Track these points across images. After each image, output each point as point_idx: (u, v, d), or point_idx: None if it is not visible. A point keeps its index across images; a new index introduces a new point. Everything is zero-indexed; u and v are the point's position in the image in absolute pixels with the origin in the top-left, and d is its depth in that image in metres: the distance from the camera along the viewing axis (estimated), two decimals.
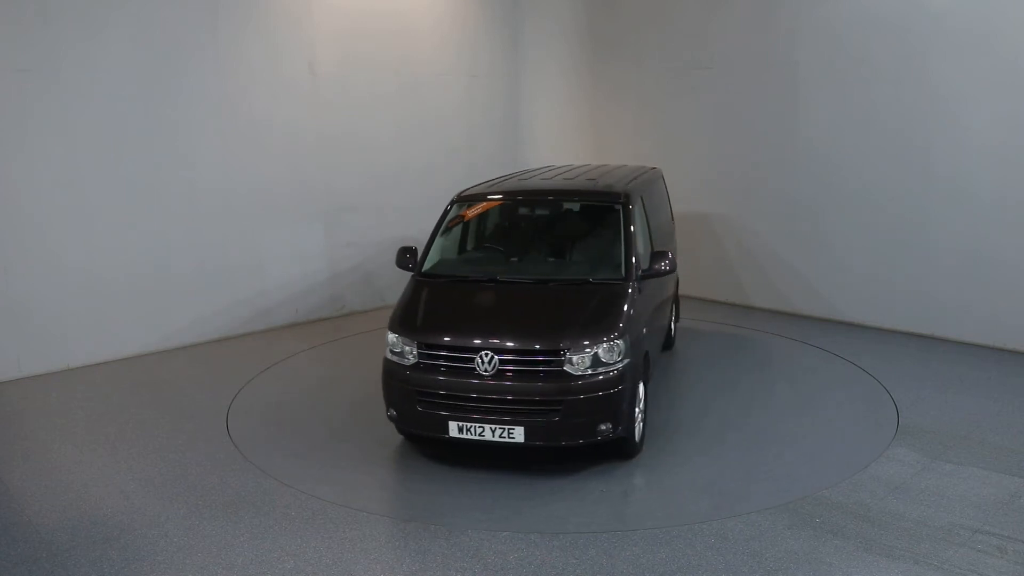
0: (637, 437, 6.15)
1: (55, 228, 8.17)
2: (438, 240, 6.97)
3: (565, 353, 5.64)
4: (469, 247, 7.27)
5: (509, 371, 5.69)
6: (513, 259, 6.93)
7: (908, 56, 8.84)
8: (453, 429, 5.74)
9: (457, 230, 7.25)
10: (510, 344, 5.72)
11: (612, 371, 5.72)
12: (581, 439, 5.71)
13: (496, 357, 5.68)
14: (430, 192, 10.03)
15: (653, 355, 6.96)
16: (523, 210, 7.48)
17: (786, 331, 9.42)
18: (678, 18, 10.89)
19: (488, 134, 11.57)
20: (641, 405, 6.24)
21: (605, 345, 5.71)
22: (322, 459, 6.33)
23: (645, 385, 6.38)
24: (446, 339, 5.88)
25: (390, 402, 6.11)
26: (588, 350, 5.66)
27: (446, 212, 7.14)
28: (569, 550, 4.93)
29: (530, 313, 6.12)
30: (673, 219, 9.17)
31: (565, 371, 5.64)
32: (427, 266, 6.77)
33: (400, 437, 6.50)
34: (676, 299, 8.95)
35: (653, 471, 6.02)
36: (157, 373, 8.31)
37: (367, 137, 10.31)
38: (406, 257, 6.80)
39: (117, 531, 5.23)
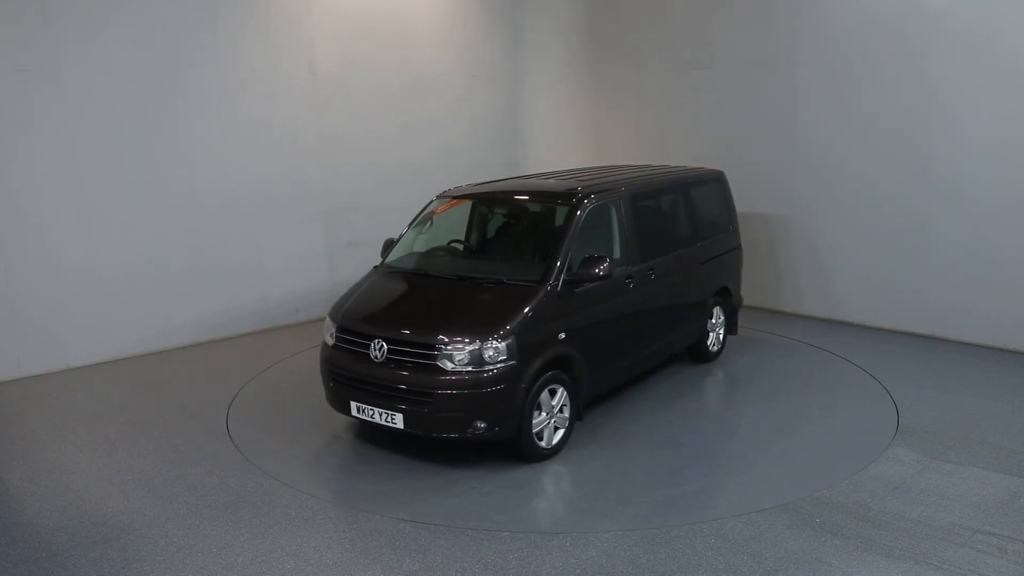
0: (546, 442, 6.15)
1: (55, 228, 8.18)
2: (408, 235, 7.30)
3: (441, 348, 5.80)
4: (430, 244, 7.38)
5: (395, 360, 5.97)
6: (459, 257, 7.14)
7: (908, 56, 8.85)
8: (353, 409, 6.20)
9: (428, 227, 7.43)
10: (396, 335, 6.05)
11: (491, 370, 5.78)
12: (454, 433, 5.88)
13: (386, 346, 5.98)
14: (430, 192, 9.98)
15: (611, 360, 6.79)
16: (486, 211, 7.48)
17: (786, 331, 9.42)
18: (678, 18, 10.90)
19: (488, 134, 11.57)
20: (564, 411, 6.25)
21: (484, 345, 5.79)
22: (322, 459, 6.35)
23: (571, 391, 6.29)
24: (352, 325, 6.34)
25: (323, 380, 6.57)
26: (464, 348, 5.79)
27: (422, 210, 7.47)
28: (569, 550, 4.93)
29: (431, 308, 6.36)
30: (733, 227, 8.71)
31: (438, 365, 5.81)
32: (389, 258, 7.13)
33: (401, 436, 6.50)
34: (727, 309, 8.51)
35: (549, 474, 6.00)
36: (157, 373, 8.31)
37: (367, 137, 10.31)
38: (389, 251, 7.25)
39: (117, 531, 5.23)
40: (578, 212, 6.57)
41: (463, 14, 11.09)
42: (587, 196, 6.75)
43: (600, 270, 6.26)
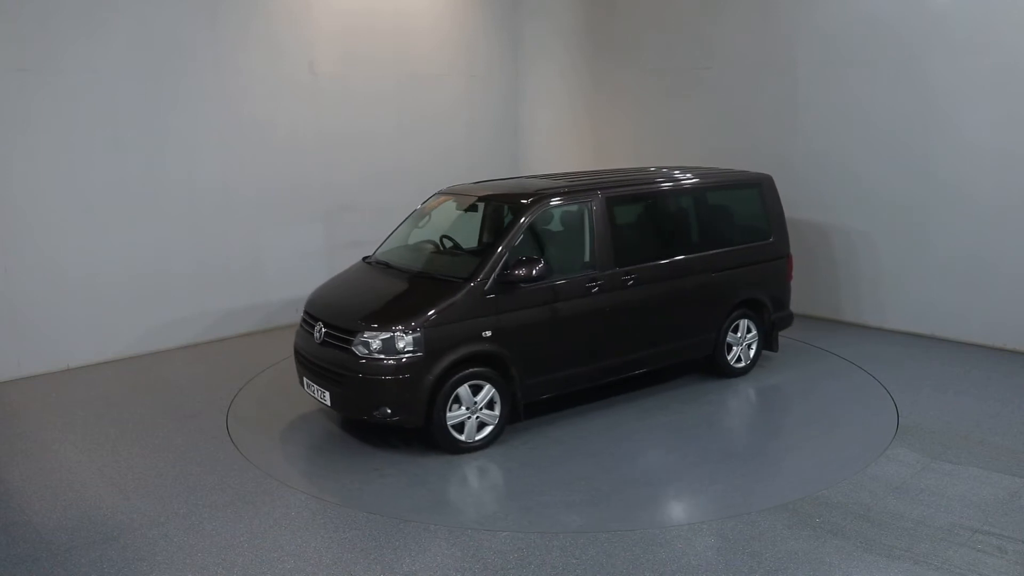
0: (466, 436, 6.25)
1: (55, 228, 8.18)
2: (399, 230, 7.61)
3: (357, 335, 6.15)
4: (413, 239, 7.47)
5: (329, 343, 6.40)
6: (424, 252, 7.26)
7: (908, 57, 8.84)
8: (304, 384, 6.75)
9: (417, 223, 7.60)
10: (330, 320, 6.51)
11: (398, 360, 6.03)
12: (364, 415, 6.24)
13: (324, 329, 6.45)
14: (429, 191, 10.01)
15: (554, 360, 6.65)
16: (462, 209, 7.48)
17: (786, 331, 9.40)
18: (677, 18, 10.89)
19: (487, 133, 11.58)
20: (495, 408, 6.34)
21: (394, 335, 6.05)
22: (322, 459, 6.35)
23: (501, 390, 6.33)
24: (309, 308, 6.90)
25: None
26: (376, 336, 6.09)
27: (416, 208, 7.74)
28: (569, 550, 4.93)
29: (370, 297, 6.71)
30: (776, 235, 8.17)
31: (352, 350, 6.15)
32: (376, 251, 7.46)
33: (404, 436, 6.51)
34: (763, 323, 8.03)
35: (465, 467, 6.09)
36: (157, 373, 8.31)
37: (367, 136, 10.32)
38: None
39: (117, 531, 5.23)
40: (524, 214, 6.57)
41: (463, 14, 11.09)
42: (539, 199, 6.69)
43: (535, 271, 6.31)
